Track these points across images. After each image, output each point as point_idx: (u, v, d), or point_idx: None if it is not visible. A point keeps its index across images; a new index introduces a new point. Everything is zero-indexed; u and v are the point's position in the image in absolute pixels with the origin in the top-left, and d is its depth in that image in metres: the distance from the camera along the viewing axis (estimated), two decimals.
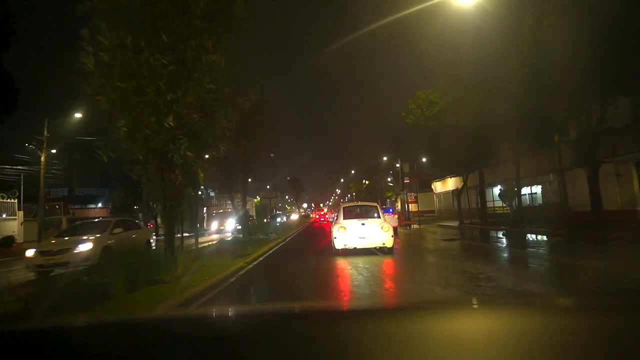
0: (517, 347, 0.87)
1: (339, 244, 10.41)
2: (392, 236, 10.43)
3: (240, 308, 2.11)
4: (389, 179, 53.45)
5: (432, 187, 43.66)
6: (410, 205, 40.84)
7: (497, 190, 28.07)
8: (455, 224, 27.23)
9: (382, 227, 10.34)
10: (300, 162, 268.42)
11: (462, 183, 26.36)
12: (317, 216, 63.63)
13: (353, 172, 75.40)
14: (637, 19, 10.06)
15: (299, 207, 72.70)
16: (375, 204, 12.20)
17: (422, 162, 38.81)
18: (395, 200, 56.70)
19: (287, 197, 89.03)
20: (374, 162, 59.52)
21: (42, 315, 4.25)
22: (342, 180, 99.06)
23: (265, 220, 30.13)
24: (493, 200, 31.36)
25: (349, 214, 11.22)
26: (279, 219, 39.29)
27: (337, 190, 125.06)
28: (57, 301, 4.68)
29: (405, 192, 39.66)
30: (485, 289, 5.84)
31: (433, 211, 42.50)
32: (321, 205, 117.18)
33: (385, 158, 44.00)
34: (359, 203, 13.60)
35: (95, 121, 8.19)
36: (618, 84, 11.43)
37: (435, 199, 43.75)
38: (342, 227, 10.50)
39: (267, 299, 6.28)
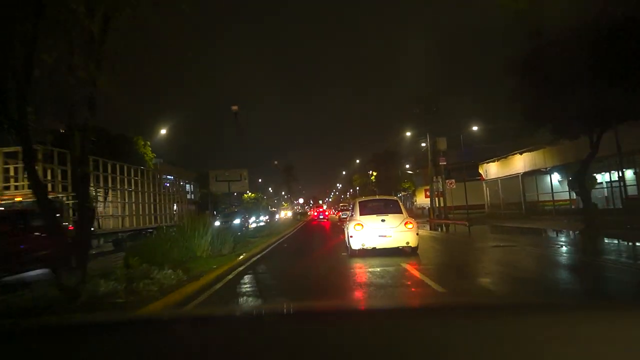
0: None
1: (355, 244, 9.17)
2: (417, 234, 9.19)
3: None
4: (407, 166, 41.88)
5: (482, 171, 31.71)
6: (438, 199, 29.29)
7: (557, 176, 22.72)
8: (552, 225, 15.84)
9: (406, 223, 9.11)
10: (298, 157, 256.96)
11: (573, 154, 14.74)
12: (316, 213, 52.52)
13: (358, 161, 63.84)
14: None
15: (294, 202, 61.23)
16: (395, 198, 11.44)
17: (464, 136, 27.08)
18: (413, 194, 45.31)
19: (283, 193, 77.71)
20: (387, 144, 48.06)
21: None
22: (343, 173, 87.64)
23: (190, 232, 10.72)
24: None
25: (366, 209, 9.83)
26: (237, 222, 25.53)
27: (337, 185, 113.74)
28: None
29: (440, 179, 28.04)
30: None
31: (482, 206, 30.69)
32: (320, 202, 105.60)
33: (408, 134, 32.07)
34: (377, 197, 12.34)
35: None
36: None
37: (486, 189, 31.86)
38: (359, 224, 9.20)
39: None
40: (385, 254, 8.99)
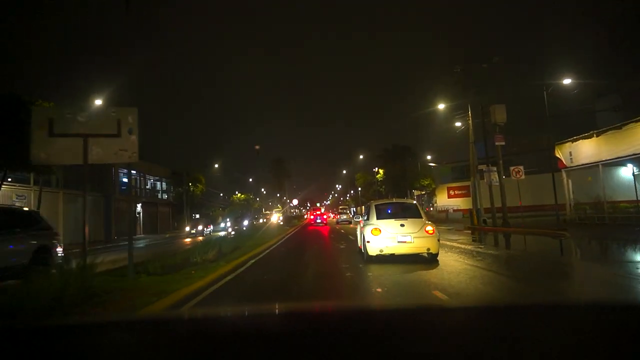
0: None
1: (373, 250, 8.67)
2: (439, 240, 8.75)
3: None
4: (428, 157, 33.12)
5: (561, 154, 22.60)
6: (491, 196, 20.76)
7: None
8: None
9: (426, 228, 8.63)
10: (296, 159, 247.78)
11: None
12: (313, 217, 43.77)
13: (362, 157, 55.05)
14: None
15: (288, 203, 52.27)
16: (413, 201, 11.00)
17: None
18: (433, 194, 36.59)
19: (279, 195, 68.16)
20: (397, 137, 39.31)
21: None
22: (344, 172, 78.96)
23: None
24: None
25: (383, 213, 9.35)
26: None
27: (337, 186, 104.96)
28: None
29: (490, 168, 19.33)
30: None
31: (554, 206, 21.81)
32: (318, 204, 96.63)
33: (440, 107, 23.10)
34: (394, 200, 12.27)
35: None
36: None
37: (567, 182, 22.76)
38: (376, 228, 8.70)
39: None
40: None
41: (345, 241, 16.59)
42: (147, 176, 42.62)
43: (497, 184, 19.18)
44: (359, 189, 77.80)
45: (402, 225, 8.66)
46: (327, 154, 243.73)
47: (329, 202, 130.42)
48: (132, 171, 38.33)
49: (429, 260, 8.64)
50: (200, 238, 21.60)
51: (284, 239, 19.13)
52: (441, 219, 34.32)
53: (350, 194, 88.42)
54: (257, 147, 23.99)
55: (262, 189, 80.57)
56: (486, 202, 21.32)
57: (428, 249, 8.50)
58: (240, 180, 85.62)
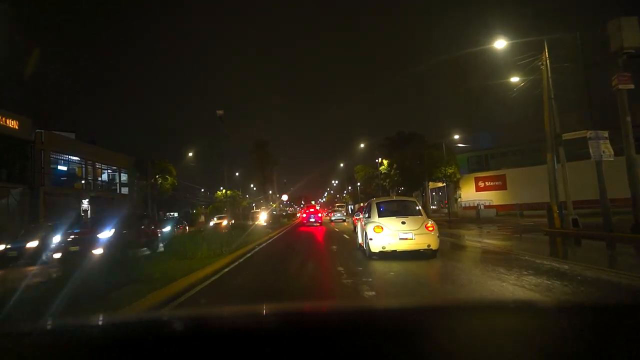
0: None
1: (375, 247, 8.78)
2: (438, 237, 8.79)
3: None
4: (455, 137, 25.32)
5: None
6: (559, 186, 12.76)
7: None
8: None
9: (427, 225, 8.80)
10: (289, 153, 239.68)
11: None
12: (305, 215, 35.93)
13: (362, 146, 47.24)
14: None
15: (273, 198, 44.03)
16: (413, 199, 10.98)
17: None
18: (456, 186, 28.84)
19: (271, 192, 59.28)
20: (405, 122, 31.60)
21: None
22: (341, 165, 71.17)
23: None
24: None
25: (384, 210, 9.47)
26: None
27: (333, 182, 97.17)
28: None
29: (605, 134, 11.31)
30: None
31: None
32: (313, 202, 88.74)
33: (499, 45, 15.05)
34: (395, 198, 12.16)
35: None
36: None
37: None
38: (378, 226, 8.87)
39: None
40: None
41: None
42: (98, 164, 34.38)
43: (611, 158, 11.40)
44: (358, 184, 70.06)
45: (403, 222, 8.83)
46: (323, 147, 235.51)
47: (324, 199, 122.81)
48: (74, 157, 30.18)
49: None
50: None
51: (243, 259, 11.15)
52: (470, 218, 26.61)
53: (347, 190, 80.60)
54: (219, 112, 16.17)
55: (252, 185, 72.38)
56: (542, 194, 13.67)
57: (428, 245, 8.64)
58: (227, 175, 77.59)
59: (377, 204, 9.85)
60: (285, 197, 44.98)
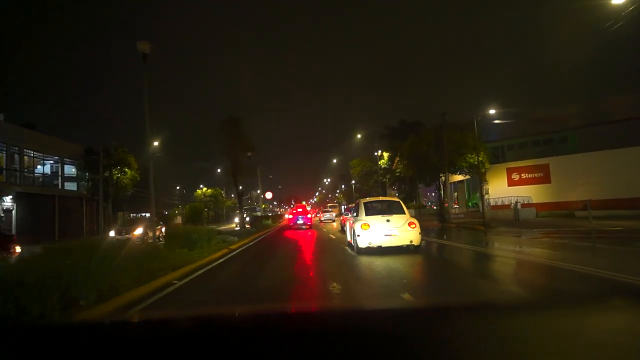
0: None
1: (362, 243, 9.49)
2: (420, 233, 9.48)
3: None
4: (492, 111, 18.95)
5: None
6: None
7: None
8: None
9: (409, 223, 9.55)
10: (282, 158, 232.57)
11: None
12: (292, 216, 29.37)
13: (359, 136, 40.91)
14: None
15: (251, 195, 36.75)
16: (397, 199, 11.41)
17: None
18: (482, 179, 22.64)
19: (259, 192, 51.82)
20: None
21: None
22: (334, 161, 64.85)
23: None
24: None
25: (371, 210, 10.26)
26: None
27: (325, 180, 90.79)
28: None
29: None
30: None
31: None
32: (303, 202, 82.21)
33: None
34: (380, 198, 12.81)
35: None
36: None
37: None
38: (365, 224, 9.56)
39: None
40: None
41: None
42: (32, 152, 27.49)
43: None
44: (353, 182, 63.71)
45: (388, 220, 9.50)
46: (316, 145, 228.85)
47: (316, 199, 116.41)
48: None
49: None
50: None
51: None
52: (505, 220, 20.40)
53: (341, 188, 74.25)
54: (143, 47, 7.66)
55: (219, 170, 65.55)
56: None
57: (411, 241, 9.26)
58: (209, 172, 70.50)
59: (364, 203, 10.59)
60: (269, 195, 38.28)
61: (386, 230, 9.30)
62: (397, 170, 43.05)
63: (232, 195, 74.84)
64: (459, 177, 26.03)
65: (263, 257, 10.93)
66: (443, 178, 22.71)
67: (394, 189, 49.53)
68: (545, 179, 23.48)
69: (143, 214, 58.20)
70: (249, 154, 27.05)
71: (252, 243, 14.84)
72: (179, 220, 60.31)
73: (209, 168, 62.87)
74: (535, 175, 23.91)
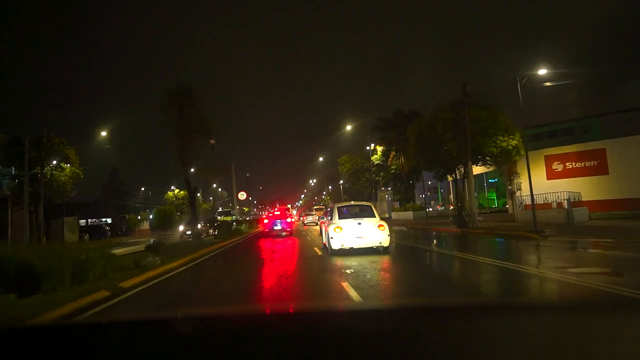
0: None
1: (335, 244, 9.87)
2: (389, 235, 9.82)
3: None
4: (542, 71, 13.40)
5: None
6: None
7: None
8: None
9: (379, 225, 9.90)
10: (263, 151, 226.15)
11: None
12: (267, 221, 23.37)
13: (349, 128, 35.34)
14: None
15: (220, 195, 29.90)
16: (369, 204, 11.60)
17: None
18: (512, 172, 17.30)
19: (243, 195, 44.38)
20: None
21: None
22: (320, 159, 59.31)
23: None
24: None
25: (344, 214, 10.65)
26: None
27: (311, 181, 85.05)
28: None
29: None
30: None
31: None
32: (289, 205, 76.21)
33: None
34: (352, 203, 12.47)
35: None
36: None
37: None
38: (338, 227, 9.97)
39: None
40: None
41: None
42: None
43: None
44: (341, 182, 58.17)
45: (359, 223, 9.87)
46: (300, 143, 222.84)
47: (301, 201, 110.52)
48: None
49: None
50: None
51: None
52: (556, 224, 15.09)
53: (328, 189, 68.63)
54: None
55: (218, 187, 58.94)
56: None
57: (380, 243, 9.69)
58: (181, 172, 63.93)
59: (338, 208, 10.96)
60: (242, 196, 32.35)
61: (357, 233, 9.75)
62: (392, 167, 37.73)
63: (211, 198, 68.60)
64: (478, 170, 20.58)
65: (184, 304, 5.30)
66: (462, 169, 17.32)
67: (388, 189, 44.13)
68: (600, 169, 18.22)
69: (102, 220, 51.50)
70: (211, 141, 21.21)
71: (182, 269, 8.99)
72: (145, 226, 53.76)
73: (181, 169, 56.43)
74: (587, 164, 18.60)
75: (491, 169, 21.61)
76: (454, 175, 18.64)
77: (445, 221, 22.30)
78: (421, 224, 23.13)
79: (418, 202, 38.13)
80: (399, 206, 38.28)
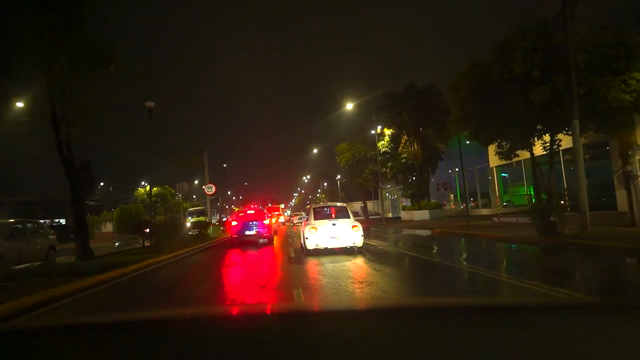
0: None
1: (310, 245, 10.17)
2: (362, 235, 10.21)
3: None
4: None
5: None
6: None
7: None
8: None
9: (353, 226, 10.27)
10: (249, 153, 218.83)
11: None
12: (237, 222, 15.48)
13: (350, 106, 27.89)
14: None
15: (180, 186, 23.13)
16: (344, 205, 11.90)
17: None
18: (631, 146, 9.80)
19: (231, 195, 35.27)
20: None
21: None
22: (314, 151, 52.05)
23: None
24: None
25: (320, 215, 10.96)
26: None
27: (304, 178, 77.67)
28: None
29: None
30: None
31: None
32: (282, 206, 68.83)
33: None
34: (329, 204, 13.23)
35: None
36: None
37: None
38: (313, 227, 10.31)
39: None
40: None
41: None
42: None
43: None
44: (338, 177, 50.78)
45: (334, 224, 10.26)
46: (294, 143, 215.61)
47: (295, 201, 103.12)
48: None
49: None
50: None
51: None
52: None
53: (323, 186, 61.28)
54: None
55: (201, 184, 51.18)
56: None
57: (354, 243, 10.05)
58: (159, 165, 56.09)
59: (313, 209, 11.26)
60: (211, 189, 24.97)
61: (332, 233, 10.08)
62: (402, 155, 30.55)
63: (194, 197, 60.82)
64: (495, 161, 12.83)
65: None
66: (560, 136, 10.14)
67: (395, 187, 36.87)
68: None
69: (56, 221, 43.82)
70: (149, 104, 13.80)
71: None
72: (109, 228, 46.15)
73: (156, 160, 48.20)
74: None
75: (522, 157, 13.89)
76: (531, 150, 11.33)
77: (481, 223, 15.96)
78: (453, 227, 15.86)
79: (433, 200, 30.95)
80: (411, 204, 31.04)
